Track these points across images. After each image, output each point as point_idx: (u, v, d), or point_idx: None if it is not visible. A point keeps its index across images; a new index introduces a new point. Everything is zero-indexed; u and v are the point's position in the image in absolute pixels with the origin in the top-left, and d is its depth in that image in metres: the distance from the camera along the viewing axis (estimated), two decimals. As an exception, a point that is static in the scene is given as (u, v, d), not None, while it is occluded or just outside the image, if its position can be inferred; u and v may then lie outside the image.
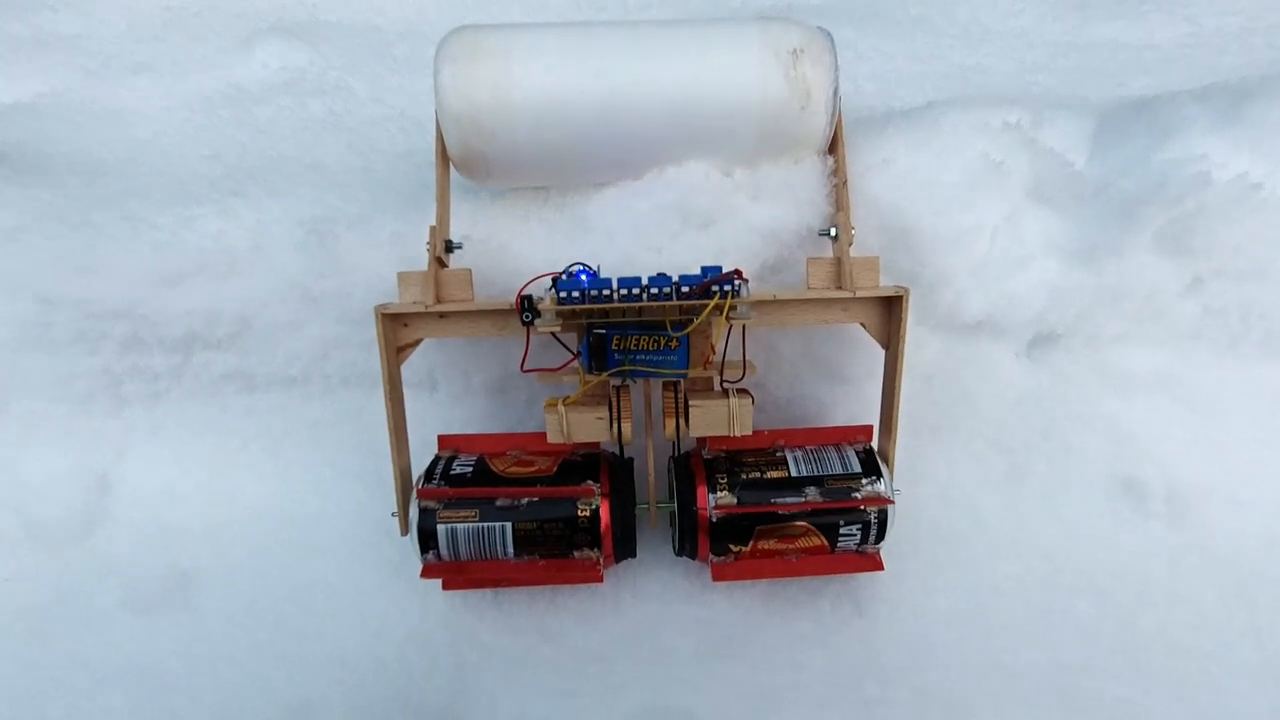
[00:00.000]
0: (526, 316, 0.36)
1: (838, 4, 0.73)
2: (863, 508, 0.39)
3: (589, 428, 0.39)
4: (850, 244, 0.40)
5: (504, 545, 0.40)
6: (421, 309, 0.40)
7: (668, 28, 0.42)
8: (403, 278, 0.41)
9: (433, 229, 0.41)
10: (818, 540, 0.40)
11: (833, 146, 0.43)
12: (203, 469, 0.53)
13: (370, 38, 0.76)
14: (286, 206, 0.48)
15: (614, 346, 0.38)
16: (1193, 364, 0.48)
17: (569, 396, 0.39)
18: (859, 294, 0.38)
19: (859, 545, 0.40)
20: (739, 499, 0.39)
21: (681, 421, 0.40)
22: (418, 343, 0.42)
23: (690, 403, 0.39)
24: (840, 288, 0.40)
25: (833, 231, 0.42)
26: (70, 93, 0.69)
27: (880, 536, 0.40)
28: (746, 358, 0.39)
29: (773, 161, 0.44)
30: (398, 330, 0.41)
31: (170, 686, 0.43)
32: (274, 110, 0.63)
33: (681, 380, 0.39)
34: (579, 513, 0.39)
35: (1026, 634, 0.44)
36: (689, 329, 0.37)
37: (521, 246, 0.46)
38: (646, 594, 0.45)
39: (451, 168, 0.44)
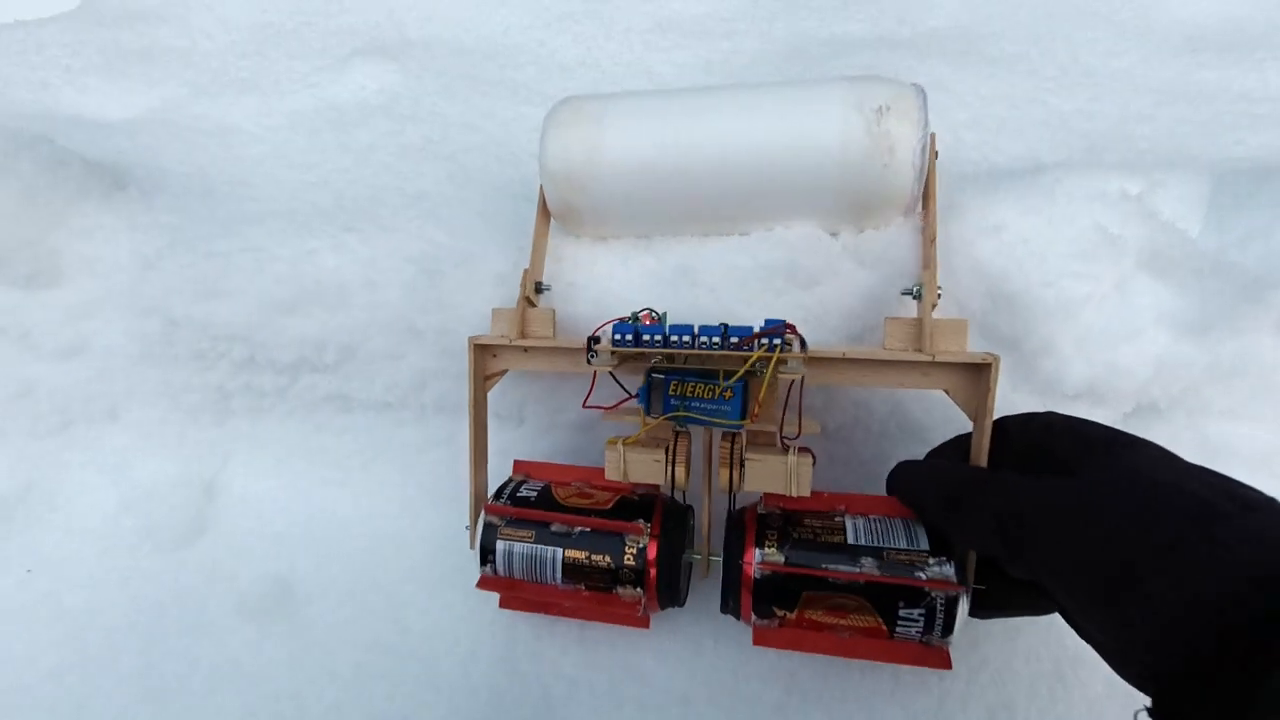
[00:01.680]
0: (590, 355, 0.37)
1: (930, 40, 0.72)
2: (927, 589, 0.35)
3: (645, 468, 0.40)
4: (935, 305, 0.39)
5: (554, 571, 0.41)
6: (507, 342, 0.43)
7: (755, 89, 0.43)
8: (495, 313, 0.46)
9: (526, 272, 0.45)
10: (873, 620, 0.36)
11: (924, 202, 0.43)
12: (299, 481, 0.56)
13: (460, 59, 0.78)
14: (396, 244, 0.50)
15: (670, 392, 0.38)
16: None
17: (630, 436, 0.40)
18: (939, 358, 0.37)
19: (923, 634, 0.36)
20: (786, 558, 0.37)
21: (737, 474, 0.39)
22: (503, 373, 0.46)
23: (746, 456, 0.38)
24: (920, 350, 0.38)
25: (915, 290, 0.41)
26: (179, 108, 0.73)
27: (948, 628, 0.35)
28: (803, 415, 0.38)
29: (866, 220, 0.44)
30: (486, 360, 0.45)
31: (279, 693, 0.45)
32: (374, 135, 0.65)
33: (741, 431, 0.39)
34: (625, 549, 0.39)
35: (1106, 705, 0.43)
36: (733, 379, 0.37)
37: (624, 291, 0.47)
38: (727, 638, 0.46)
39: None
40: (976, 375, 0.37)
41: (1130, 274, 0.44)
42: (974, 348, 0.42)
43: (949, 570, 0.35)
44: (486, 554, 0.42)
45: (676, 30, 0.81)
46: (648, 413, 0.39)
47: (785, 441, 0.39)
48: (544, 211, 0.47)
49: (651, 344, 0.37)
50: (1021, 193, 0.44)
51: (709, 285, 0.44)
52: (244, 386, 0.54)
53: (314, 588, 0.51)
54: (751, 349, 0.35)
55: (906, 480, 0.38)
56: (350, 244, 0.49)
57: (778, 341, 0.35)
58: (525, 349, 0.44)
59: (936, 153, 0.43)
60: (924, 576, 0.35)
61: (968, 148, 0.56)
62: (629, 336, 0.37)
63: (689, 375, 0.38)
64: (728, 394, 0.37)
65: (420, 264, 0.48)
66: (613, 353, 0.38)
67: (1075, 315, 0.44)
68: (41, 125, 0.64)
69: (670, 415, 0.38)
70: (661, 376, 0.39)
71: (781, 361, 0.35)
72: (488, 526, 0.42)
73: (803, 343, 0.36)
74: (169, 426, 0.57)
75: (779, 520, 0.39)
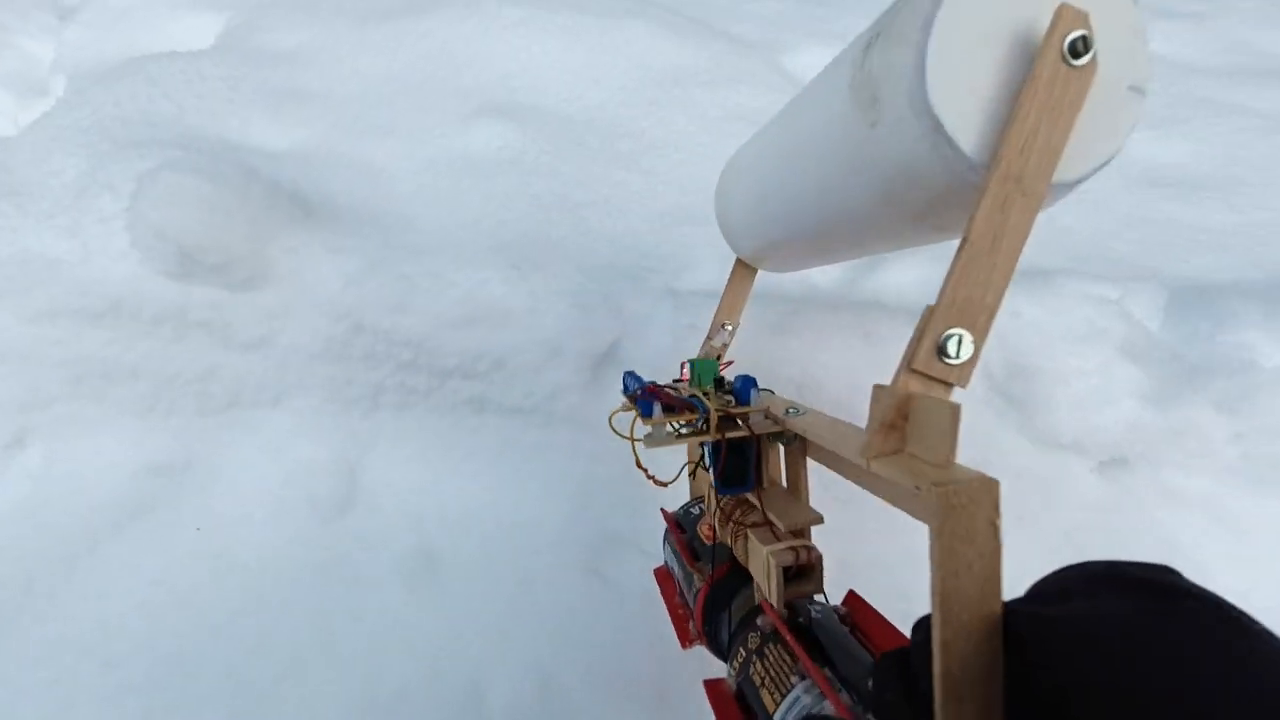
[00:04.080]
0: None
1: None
2: None
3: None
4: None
5: (681, 578, 0.47)
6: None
7: None
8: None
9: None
10: None
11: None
12: (434, 470, 0.66)
13: (564, 125, 0.93)
14: (551, 277, 0.63)
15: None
16: (1232, 493, 0.61)
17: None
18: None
19: None
20: (734, 684, 0.35)
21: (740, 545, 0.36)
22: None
23: (749, 531, 0.35)
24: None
25: None
26: (330, 145, 0.85)
27: None
28: (808, 498, 0.35)
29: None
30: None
31: (435, 650, 0.55)
32: (508, 185, 0.79)
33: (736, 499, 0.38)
34: (694, 585, 0.42)
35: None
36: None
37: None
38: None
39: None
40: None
41: (1111, 357, 0.60)
42: (986, 407, 0.56)
43: None
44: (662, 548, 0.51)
45: (742, 120, 0.98)
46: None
47: (776, 532, 0.34)
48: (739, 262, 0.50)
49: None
50: (1031, 289, 0.60)
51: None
52: (398, 384, 0.65)
53: (453, 560, 0.61)
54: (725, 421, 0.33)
55: None
56: (514, 277, 0.62)
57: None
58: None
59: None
60: None
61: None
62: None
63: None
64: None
65: (573, 298, 0.61)
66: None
67: (1069, 384, 0.59)
68: (221, 151, 0.76)
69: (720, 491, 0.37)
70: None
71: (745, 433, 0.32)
72: (668, 531, 0.49)
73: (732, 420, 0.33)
74: (323, 416, 0.67)
75: (768, 631, 0.33)
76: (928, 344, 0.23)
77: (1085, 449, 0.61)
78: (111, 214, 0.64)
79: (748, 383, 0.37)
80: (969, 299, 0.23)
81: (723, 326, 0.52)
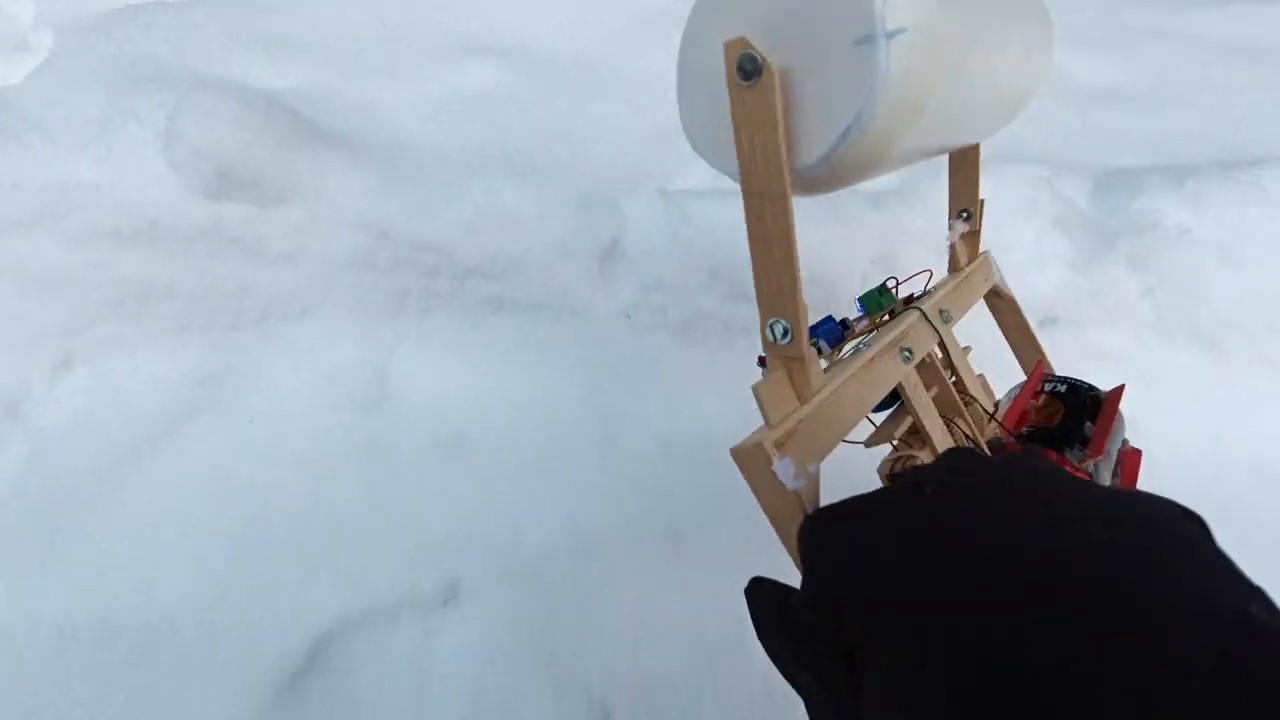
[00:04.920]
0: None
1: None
2: None
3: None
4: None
5: None
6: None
7: None
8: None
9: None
10: None
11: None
12: (459, 363, 0.73)
13: (552, 64, 0.99)
14: (556, 186, 0.70)
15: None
16: (1145, 346, 0.72)
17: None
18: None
19: None
20: None
21: None
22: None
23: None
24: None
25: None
26: (328, 85, 0.90)
27: None
28: None
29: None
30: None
31: (474, 508, 0.63)
32: (505, 117, 0.85)
33: None
34: None
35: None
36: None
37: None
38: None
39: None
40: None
41: (1044, 229, 0.70)
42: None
43: None
44: None
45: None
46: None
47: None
48: None
49: None
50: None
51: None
52: (422, 289, 0.72)
53: (480, 439, 0.69)
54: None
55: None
56: (523, 184, 0.69)
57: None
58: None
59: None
60: None
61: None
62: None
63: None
64: None
65: (577, 203, 0.68)
66: None
67: (1009, 253, 0.68)
68: (231, 87, 0.80)
69: None
70: None
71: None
72: None
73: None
74: (352, 323, 0.74)
75: None
76: (765, 334, 0.28)
77: (1025, 310, 0.71)
78: (141, 140, 0.68)
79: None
80: (773, 293, 0.27)
81: (959, 215, 0.48)
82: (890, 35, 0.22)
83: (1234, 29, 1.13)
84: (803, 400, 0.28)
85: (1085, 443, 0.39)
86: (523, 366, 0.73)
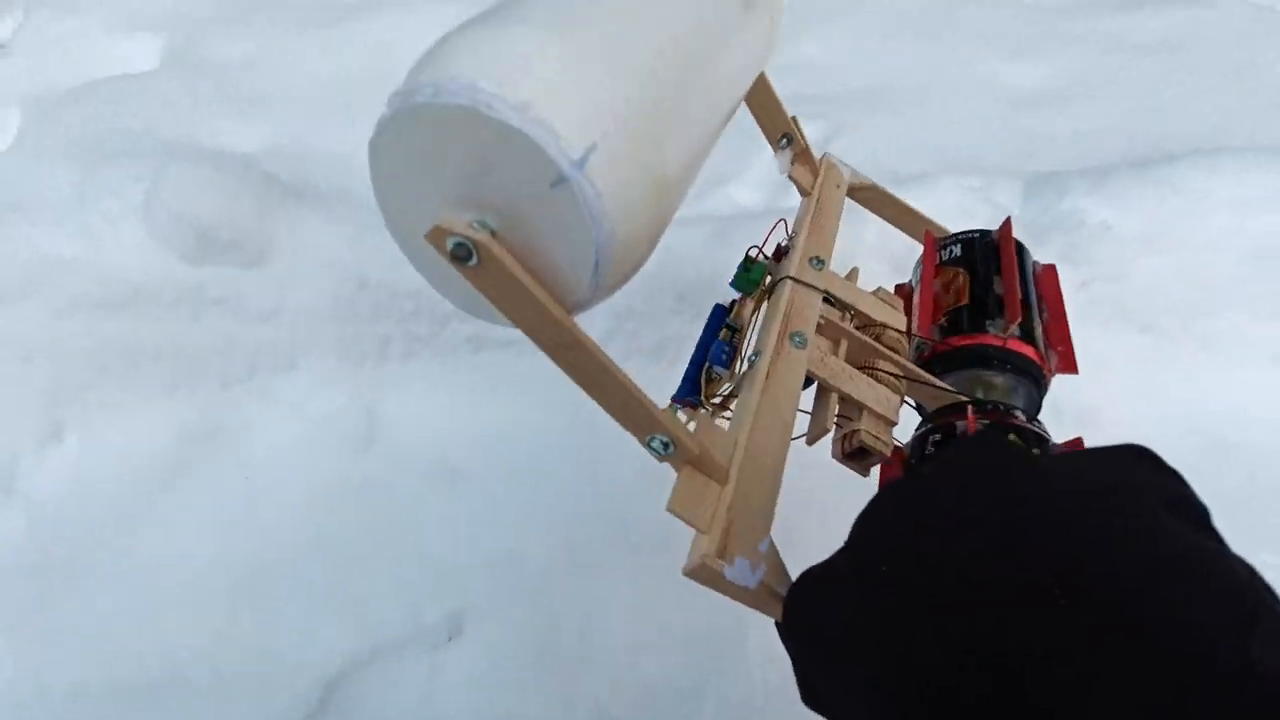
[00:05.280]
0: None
1: (852, 94, 1.05)
2: None
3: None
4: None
5: None
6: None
7: None
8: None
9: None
10: None
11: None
12: (445, 402, 0.76)
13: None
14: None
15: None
16: (1088, 333, 0.77)
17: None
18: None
19: None
20: None
21: None
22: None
23: None
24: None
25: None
26: (297, 140, 0.93)
27: None
28: None
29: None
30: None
31: (472, 532, 0.65)
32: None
33: None
34: None
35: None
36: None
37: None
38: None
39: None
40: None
41: (980, 234, 0.75)
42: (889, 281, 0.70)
43: None
44: None
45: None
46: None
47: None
48: None
49: None
50: (915, 191, 0.74)
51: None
52: (404, 333, 0.75)
53: (471, 469, 0.71)
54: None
55: None
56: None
57: None
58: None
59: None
60: None
61: (882, 162, 0.87)
62: None
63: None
64: None
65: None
66: None
67: (952, 258, 0.74)
68: (204, 153, 0.83)
69: None
70: None
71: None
72: None
73: None
74: (338, 371, 0.76)
75: None
76: (648, 451, 0.27)
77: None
78: (119, 213, 0.71)
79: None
80: (633, 418, 0.27)
81: (780, 144, 0.46)
82: (581, 163, 0.20)
83: (1145, 32, 1.22)
84: (722, 481, 0.27)
85: (1001, 305, 0.39)
86: (508, 400, 0.76)
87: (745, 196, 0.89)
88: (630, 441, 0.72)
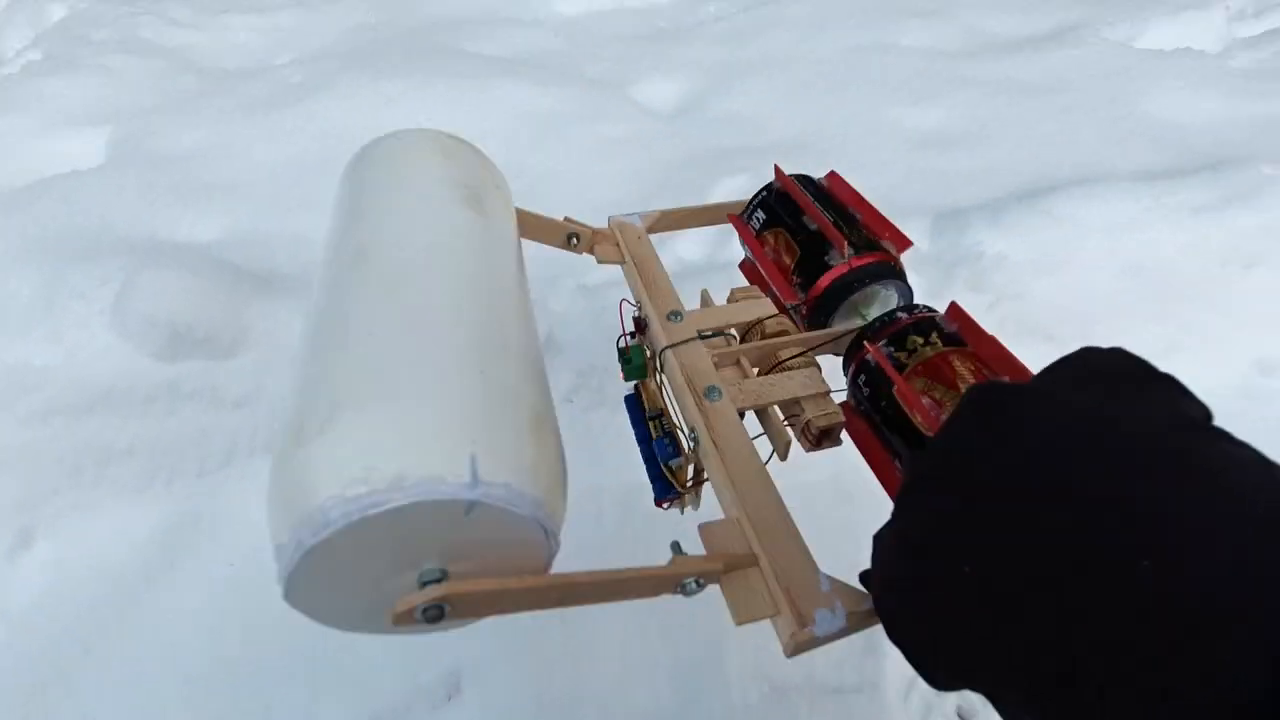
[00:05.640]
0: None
1: (774, 145, 1.15)
2: None
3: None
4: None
5: None
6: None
7: None
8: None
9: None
10: None
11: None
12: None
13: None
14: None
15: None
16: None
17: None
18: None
19: None
20: None
21: None
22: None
23: None
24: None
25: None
26: (256, 226, 0.96)
27: None
28: None
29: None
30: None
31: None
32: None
33: None
34: None
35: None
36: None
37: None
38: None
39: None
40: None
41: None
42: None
43: None
44: None
45: (611, 143, 1.19)
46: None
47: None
48: None
49: None
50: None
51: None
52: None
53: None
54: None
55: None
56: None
57: None
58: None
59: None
60: None
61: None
62: None
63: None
64: None
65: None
66: None
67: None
68: (164, 249, 0.85)
69: None
70: None
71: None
72: None
73: None
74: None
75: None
76: (684, 594, 0.27)
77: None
78: (87, 317, 0.73)
79: None
80: (647, 591, 0.27)
81: (570, 244, 0.46)
82: (474, 482, 0.21)
83: (1027, 72, 1.38)
84: (754, 563, 0.27)
85: (826, 239, 0.40)
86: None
87: (688, 251, 0.96)
88: (604, 488, 0.77)
